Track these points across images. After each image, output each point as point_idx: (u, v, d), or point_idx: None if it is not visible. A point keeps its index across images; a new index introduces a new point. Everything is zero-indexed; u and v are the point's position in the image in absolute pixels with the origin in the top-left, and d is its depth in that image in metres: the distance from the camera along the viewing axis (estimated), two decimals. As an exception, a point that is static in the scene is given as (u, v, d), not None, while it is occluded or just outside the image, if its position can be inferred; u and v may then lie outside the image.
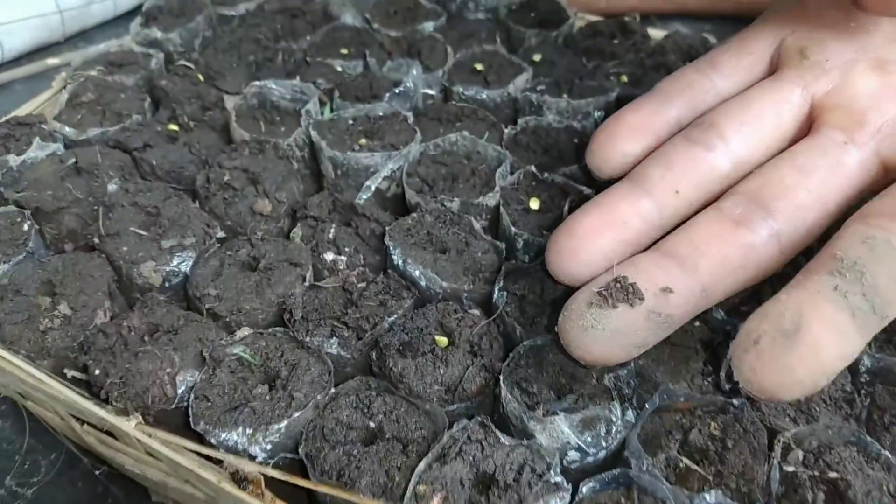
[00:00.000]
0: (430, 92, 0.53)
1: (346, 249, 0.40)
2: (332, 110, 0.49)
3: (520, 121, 0.48)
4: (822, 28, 0.35)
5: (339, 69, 0.54)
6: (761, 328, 0.26)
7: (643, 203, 0.32)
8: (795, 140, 0.34)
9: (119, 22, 0.78)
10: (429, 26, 0.58)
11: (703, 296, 0.30)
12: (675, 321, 0.29)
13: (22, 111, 0.49)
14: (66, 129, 0.46)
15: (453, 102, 0.51)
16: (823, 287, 0.26)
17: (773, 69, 0.36)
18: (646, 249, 0.32)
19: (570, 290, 0.32)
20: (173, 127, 0.47)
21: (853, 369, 0.35)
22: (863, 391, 0.34)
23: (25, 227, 0.40)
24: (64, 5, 0.72)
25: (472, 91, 0.51)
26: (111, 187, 0.42)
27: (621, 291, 0.29)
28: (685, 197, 0.33)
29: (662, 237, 0.32)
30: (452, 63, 0.54)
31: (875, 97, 0.32)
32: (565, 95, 0.50)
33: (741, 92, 0.35)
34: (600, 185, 0.37)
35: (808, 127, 0.34)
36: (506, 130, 0.47)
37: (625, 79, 0.53)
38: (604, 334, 0.29)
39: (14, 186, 0.42)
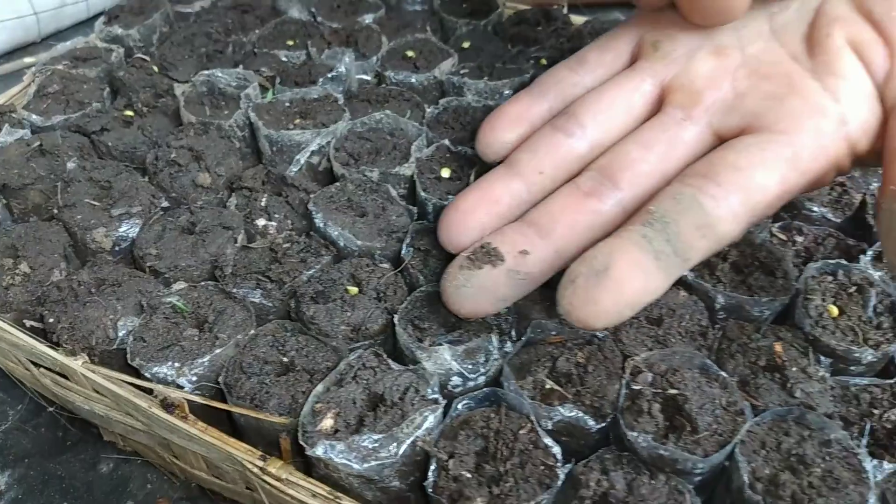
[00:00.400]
0: (366, 77, 0.58)
1: (276, 216, 0.45)
2: (273, 95, 0.54)
3: (442, 101, 0.53)
4: (675, 25, 0.40)
5: (284, 59, 0.59)
6: (579, 269, 0.31)
7: (513, 183, 0.38)
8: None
9: (91, 22, 0.83)
10: (368, 18, 0.63)
11: (556, 256, 0.35)
12: (534, 278, 0.35)
13: (-6, 102, 0.55)
14: (34, 116, 0.52)
15: (384, 86, 0.56)
16: (633, 235, 0.31)
17: (633, 63, 0.41)
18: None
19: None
20: (129, 113, 0.52)
21: (709, 307, 0.40)
22: (716, 325, 0.40)
23: (-8, 201, 0.45)
24: (39, 7, 0.78)
25: (402, 75, 0.56)
26: (70, 165, 0.47)
27: (485, 255, 0.35)
28: (549, 176, 0.38)
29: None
30: (386, 50, 0.59)
31: (711, 77, 0.37)
32: (486, 78, 0.55)
33: (602, 84, 0.40)
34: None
35: (656, 111, 0.39)
36: (428, 109, 0.53)
37: (544, 62, 0.58)
38: (472, 291, 0.34)
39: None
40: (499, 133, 0.41)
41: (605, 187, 0.36)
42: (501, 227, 0.37)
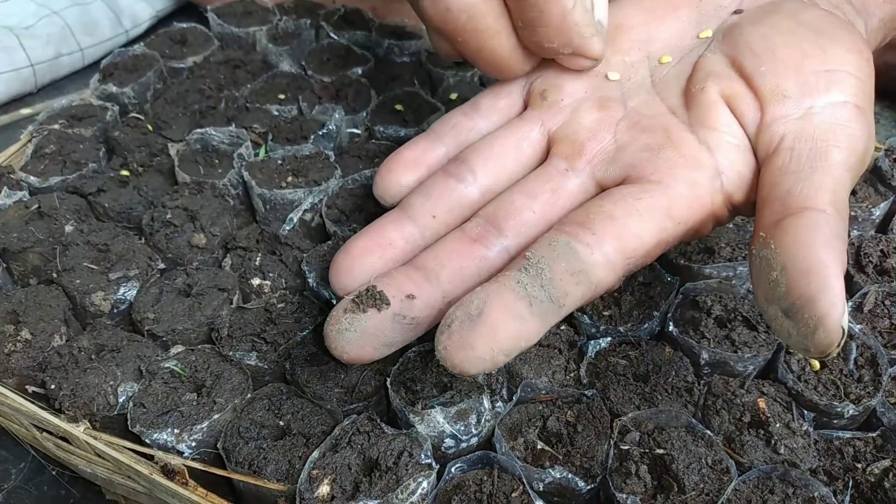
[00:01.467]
0: (357, 131, 0.60)
1: (271, 275, 0.46)
2: (265, 152, 0.55)
3: (431, 155, 0.54)
4: (562, 73, 0.41)
5: (276, 113, 0.60)
6: (455, 314, 0.31)
7: (406, 227, 0.39)
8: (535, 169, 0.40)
9: (87, 72, 0.85)
10: (357, 71, 0.65)
11: (443, 300, 0.35)
12: (420, 323, 0.35)
13: (-8, 163, 0.56)
14: (31, 178, 0.53)
15: (374, 140, 0.57)
16: (509, 280, 0.31)
17: (524, 110, 0.42)
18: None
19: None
20: (125, 173, 0.53)
21: (695, 362, 0.41)
22: (702, 381, 0.41)
23: (-8, 266, 0.46)
24: (35, 59, 0.79)
25: (391, 130, 0.57)
26: (68, 228, 0.48)
27: (370, 298, 0.34)
28: (441, 220, 0.39)
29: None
30: (375, 104, 0.60)
31: (594, 129, 0.39)
32: (474, 131, 0.56)
33: (494, 131, 0.42)
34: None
35: (545, 158, 0.40)
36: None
37: (530, 113, 0.60)
38: (356, 335, 0.34)
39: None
40: (395, 176, 0.41)
41: (492, 234, 0.37)
42: (388, 271, 0.37)
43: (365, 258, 0.37)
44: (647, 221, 0.34)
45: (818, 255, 0.29)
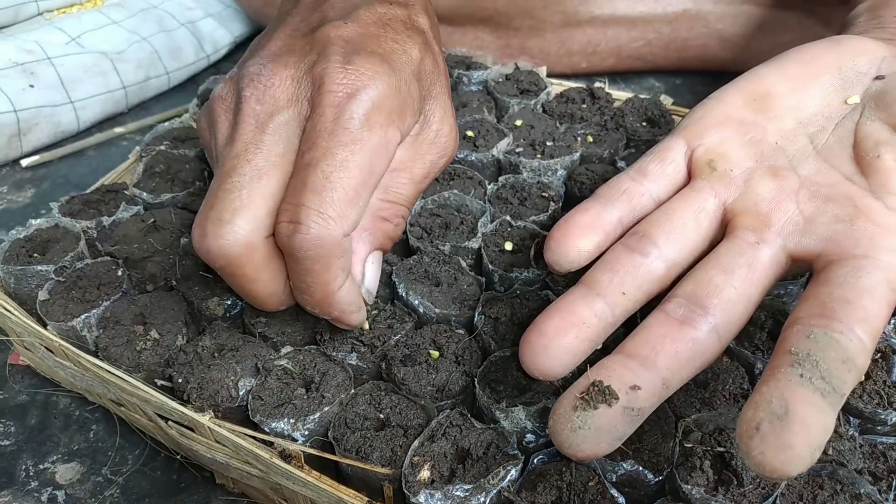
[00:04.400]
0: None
1: (363, 285, 0.52)
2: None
3: (500, 178, 0.59)
4: (724, 143, 0.43)
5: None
6: (758, 416, 0.31)
7: (597, 304, 0.39)
8: (715, 240, 0.42)
9: (171, 93, 0.92)
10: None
11: (664, 387, 0.36)
12: (644, 412, 0.35)
13: (107, 180, 0.62)
14: (144, 194, 0.59)
15: (450, 164, 0.63)
16: (792, 376, 0.32)
17: (690, 176, 0.44)
18: (604, 347, 0.39)
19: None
20: (227, 190, 0.59)
21: (749, 371, 0.46)
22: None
23: (119, 273, 0.52)
24: (127, 82, 0.86)
25: (464, 154, 0.63)
26: (183, 240, 0.54)
27: (599, 394, 0.35)
28: (631, 297, 0.40)
29: (620, 337, 0.40)
30: (449, 130, 0.65)
31: (775, 199, 0.41)
32: (539, 156, 0.62)
33: (667, 201, 0.43)
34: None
35: (723, 228, 0.42)
36: (489, 186, 0.59)
37: (590, 139, 0.65)
38: (590, 433, 0.34)
39: (108, 241, 0.55)
40: (572, 241, 0.42)
41: (698, 314, 0.37)
42: (601, 361, 0.37)
43: (560, 338, 0.38)
44: (878, 298, 0.35)
45: None
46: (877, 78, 0.44)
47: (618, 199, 0.44)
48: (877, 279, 0.35)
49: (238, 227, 0.40)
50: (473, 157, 0.62)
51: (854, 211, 0.38)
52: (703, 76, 0.91)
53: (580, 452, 0.34)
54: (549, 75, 0.76)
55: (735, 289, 0.38)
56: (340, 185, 0.39)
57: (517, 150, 0.63)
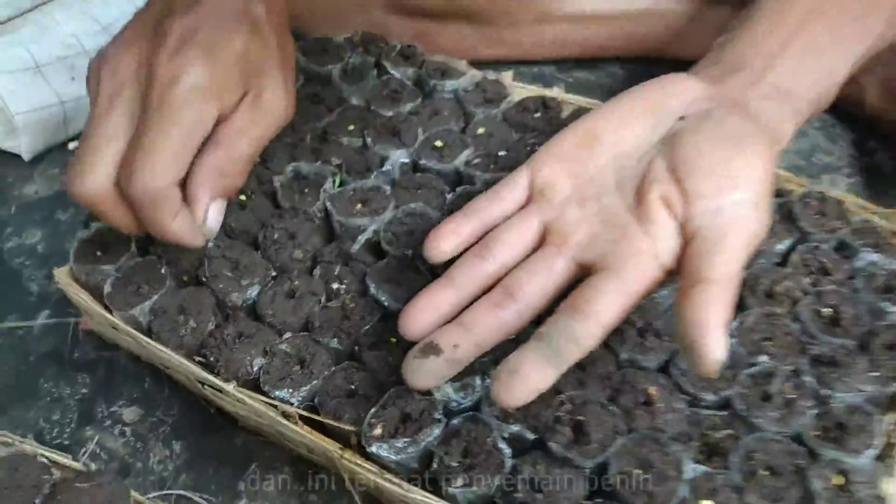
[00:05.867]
0: (406, 161, 0.80)
1: (345, 282, 0.69)
2: (341, 182, 0.77)
3: (458, 188, 0.75)
4: (554, 175, 0.57)
5: (346, 144, 0.81)
6: (502, 369, 0.49)
7: (450, 292, 0.55)
8: (535, 249, 0.56)
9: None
10: (408, 107, 0.85)
11: (476, 347, 0.53)
12: (461, 362, 0.53)
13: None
14: (179, 200, 0.76)
15: (418, 174, 0.78)
16: (530, 347, 0.50)
17: (529, 199, 0.58)
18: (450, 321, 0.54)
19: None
20: (243, 198, 0.75)
21: (616, 358, 0.62)
22: (620, 371, 0.62)
23: (163, 271, 0.70)
24: (65, 98, 0.99)
25: (432, 163, 0.78)
26: (210, 244, 0.71)
27: (431, 349, 0.52)
28: (472, 288, 0.56)
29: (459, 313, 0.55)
30: (420, 141, 0.80)
31: (576, 223, 0.54)
32: (492, 166, 0.77)
33: (509, 218, 0.58)
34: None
35: (542, 241, 0.56)
36: (448, 196, 0.75)
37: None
38: (423, 373, 0.52)
39: (150, 241, 0.72)
40: (441, 243, 0.58)
41: (507, 300, 0.53)
42: (440, 328, 0.54)
43: (423, 315, 0.55)
44: (611, 300, 0.50)
45: (704, 314, 0.45)
46: (680, 118, 0.54)
47: (475, 214, 0.58)
48: (614, 286, 0.50)
49: (92, 178, 0.56)
50: (439, 168, 0.78)
51: (621, 234, 0.52)
52: (660, 63, 1.03)
53: (415, 385, 0.54)
54: (522, 62, 0.88)
55: (535, 285, 0.53)
56: (163, 148, 0.55)
57: (474, 161, 0.78)
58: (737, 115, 0.53)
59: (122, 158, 0.56)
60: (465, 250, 0.59)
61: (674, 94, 0.56)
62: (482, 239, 0.57)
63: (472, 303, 0.56)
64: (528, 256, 0.56)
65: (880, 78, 0.78)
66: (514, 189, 0.59)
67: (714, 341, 0.45)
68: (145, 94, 0.56)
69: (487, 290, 0.55)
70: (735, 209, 0.49)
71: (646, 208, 0.52)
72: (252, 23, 0.61)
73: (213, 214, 0.62)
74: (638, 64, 1.04)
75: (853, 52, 0.59)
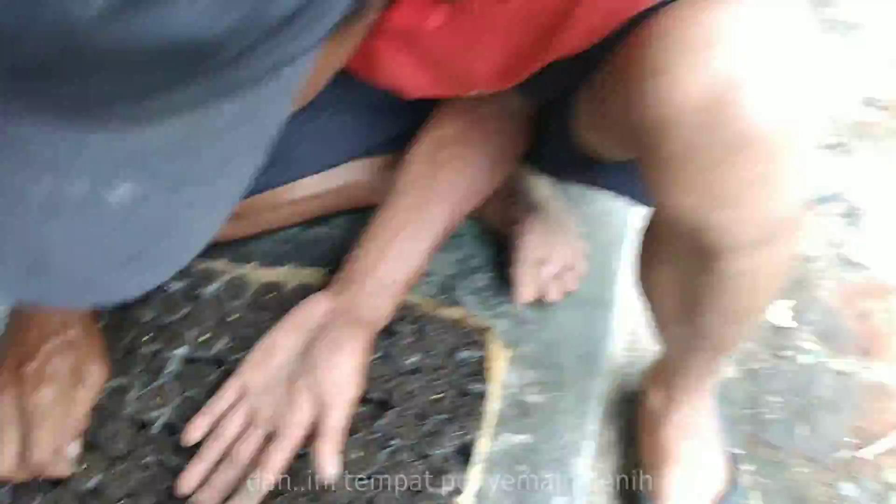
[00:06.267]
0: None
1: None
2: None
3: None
4: (252, 379, 0.71)
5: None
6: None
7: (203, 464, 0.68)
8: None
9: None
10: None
11: (218, 494, 0.67)
12: None
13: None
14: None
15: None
16: (241, 492, 0.66)
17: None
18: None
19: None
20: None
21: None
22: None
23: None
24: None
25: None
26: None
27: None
28: (212, 459, 0.69)
29: None
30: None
31: (266, 407, 0.69)
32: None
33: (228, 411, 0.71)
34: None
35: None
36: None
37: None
38: None
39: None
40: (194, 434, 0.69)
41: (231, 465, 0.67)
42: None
43: (192, 476, 0.67)
44: (283, 455, 0.65)
45: (322, 453, 0.65)
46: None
47: (210, 413, 0.70)
48: (282, 445, 0.65)
49: None
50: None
51: (286, 411, 0.67)
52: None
53: None
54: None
55: (246, 451, 0.67)
56: None
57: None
58: (344, 323, 0.70)
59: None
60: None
61: (310, 311, 0.72)
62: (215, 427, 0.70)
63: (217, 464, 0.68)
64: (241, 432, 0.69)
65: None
66: (227, 390, 0.71)
67: (329, 465, 0.63)
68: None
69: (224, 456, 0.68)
70: (338, 387, 0.67)
71: (295, 395, 0.67)
72: (68, 353, 0.75)
73: None
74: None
75: (428, 245, 0.74)
